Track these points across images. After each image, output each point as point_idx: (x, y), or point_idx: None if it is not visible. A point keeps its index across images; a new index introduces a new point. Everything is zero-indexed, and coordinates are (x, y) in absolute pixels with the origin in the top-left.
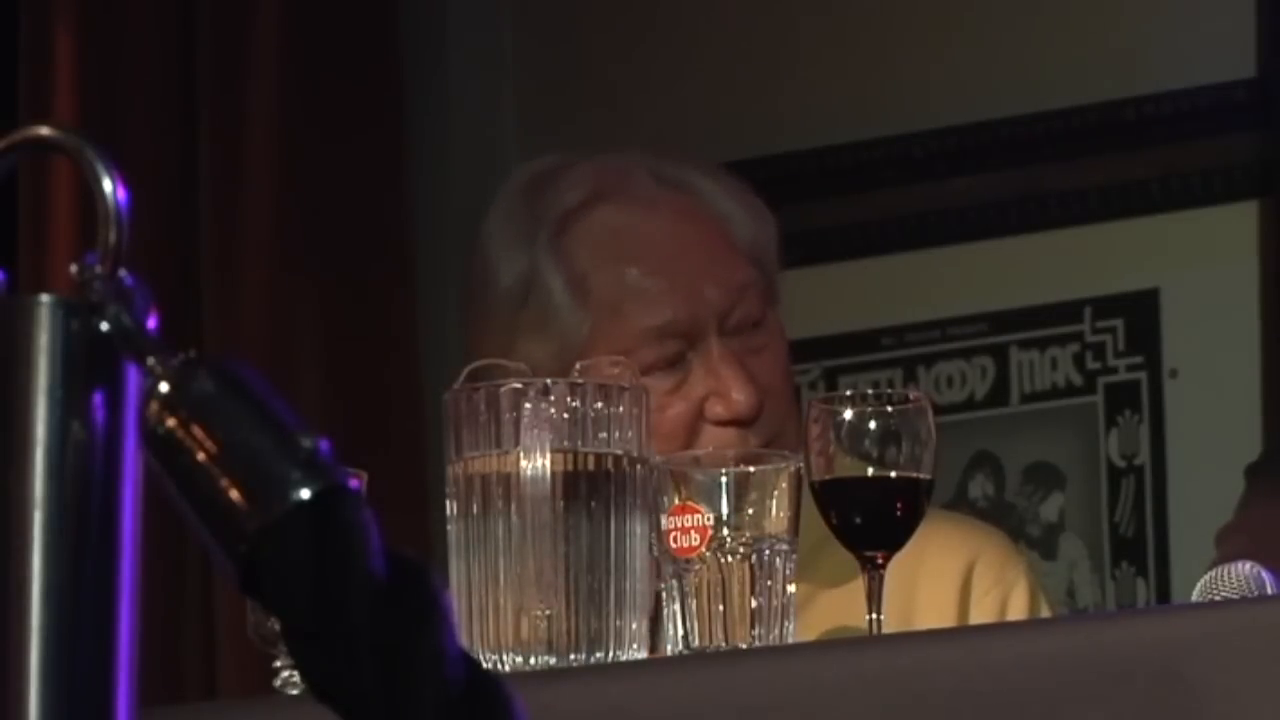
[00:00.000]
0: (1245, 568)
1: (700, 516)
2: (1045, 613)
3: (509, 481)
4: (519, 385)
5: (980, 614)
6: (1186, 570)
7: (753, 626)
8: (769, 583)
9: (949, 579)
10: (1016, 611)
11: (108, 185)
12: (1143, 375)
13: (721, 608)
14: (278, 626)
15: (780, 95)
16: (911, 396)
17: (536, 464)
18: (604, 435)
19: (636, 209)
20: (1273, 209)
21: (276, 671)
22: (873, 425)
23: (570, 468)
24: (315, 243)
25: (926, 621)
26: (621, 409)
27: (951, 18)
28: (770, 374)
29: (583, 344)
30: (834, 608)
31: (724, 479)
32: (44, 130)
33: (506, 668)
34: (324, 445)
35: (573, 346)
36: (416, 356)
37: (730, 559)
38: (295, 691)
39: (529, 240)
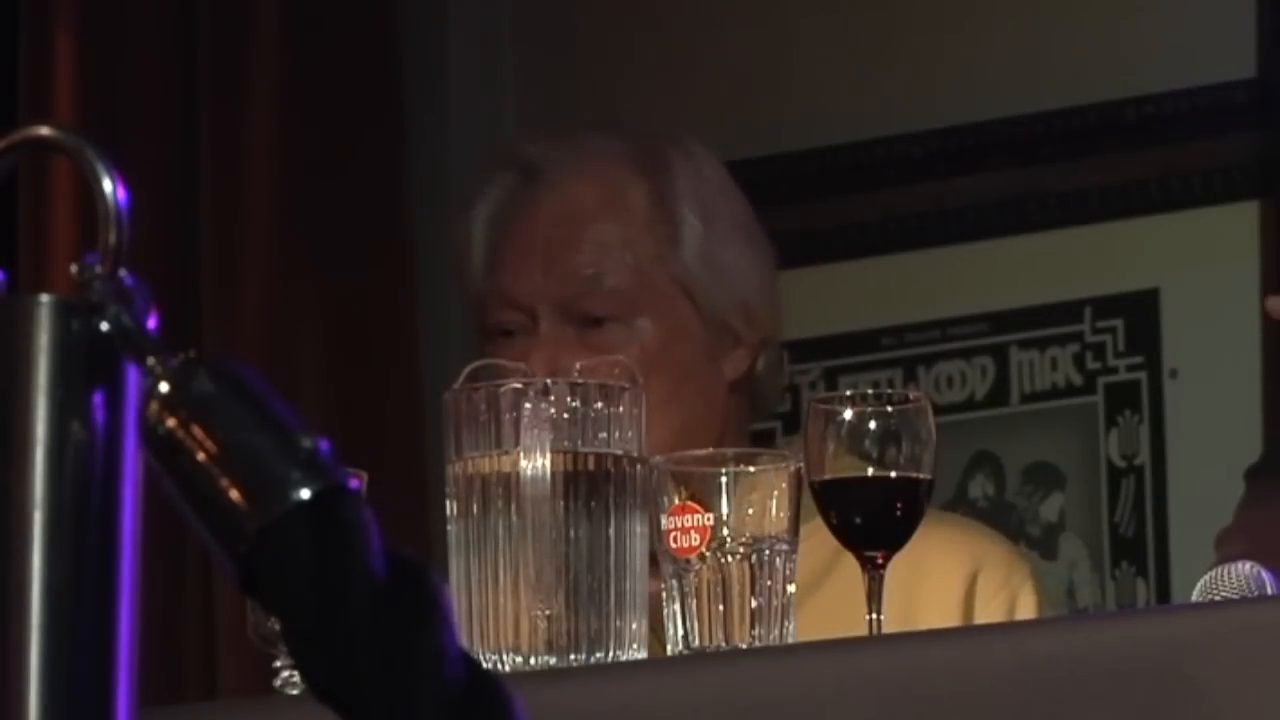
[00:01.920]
0: (1245, 568)
1: (700, 516)
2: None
3: (509, 481)
4: (519, 385)
5: (986, 618)
6: (1186, 570)
7: (753, 626)
8: (769, 583)
9: (953, 583)
10: (1025, 615)
11: (108, 185)
12: (1143, 375)
13: (721, 608)
14: (278, 626)
15: (780, 95)
16: (911, 396)
17: (536, 464)
18: (604, 435)
19: (549, 185)
20: (1273, 209)
21: (276, 671)
22: (873, 425)
23: (570, 468)
24: (315, 244)
25: (928, 624)
26: (621, 409)
27: (951, 18)
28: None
29: (477, 289)
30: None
31: (724, 479)
32: (44, 130)
33: (506, 668)
34: (324, 445)
35: (473, 288)
36: (416, 356)
37: (730, 559)
38: (295, 691)
39: (486, 195)
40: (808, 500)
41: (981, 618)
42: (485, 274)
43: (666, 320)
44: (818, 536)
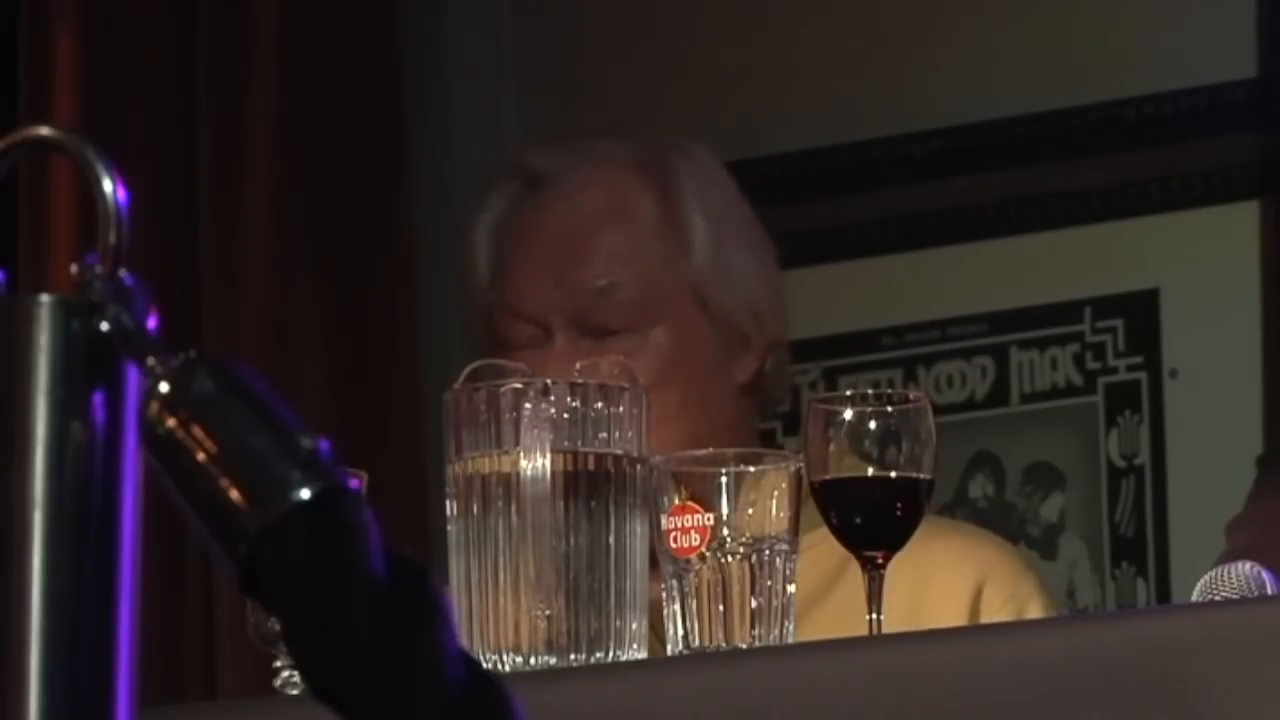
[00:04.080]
0: (1245, 568)
1: (700, 516)
2: None
3: (509, 481)
4: (519, 385)
5: None
6: (1186, 570)
7: (753, 626)
8: (769, 583)
9: (958, 593)
10: None
11: (108, 185)
12: (1143, 375)
13: (721, 608)
14: (278, 626)
15: (780, 95)
16: (911, 396)
17: (536, 464)
18: (604, 435)
19: (557, 194)
20: (1273, 209)
21: (276, 671)
22: (873, 425)
23: (570, 468)
24: (315, 243)
25: None
26: (621, 409)
27: (951, 18)
28: None
29: (484, 301)
30: (836, 608)
31: (724, 479)
32: (44, 130)
33: (506, 668)
34: (324, 445)
35: (479, 300)
36: (416, 356)
37: (730, 559)
38: (295, 691)
39: (489, 204)
40: (813, 508)
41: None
42: (492, 286)
43: (680, 327)
44: (825, 545)
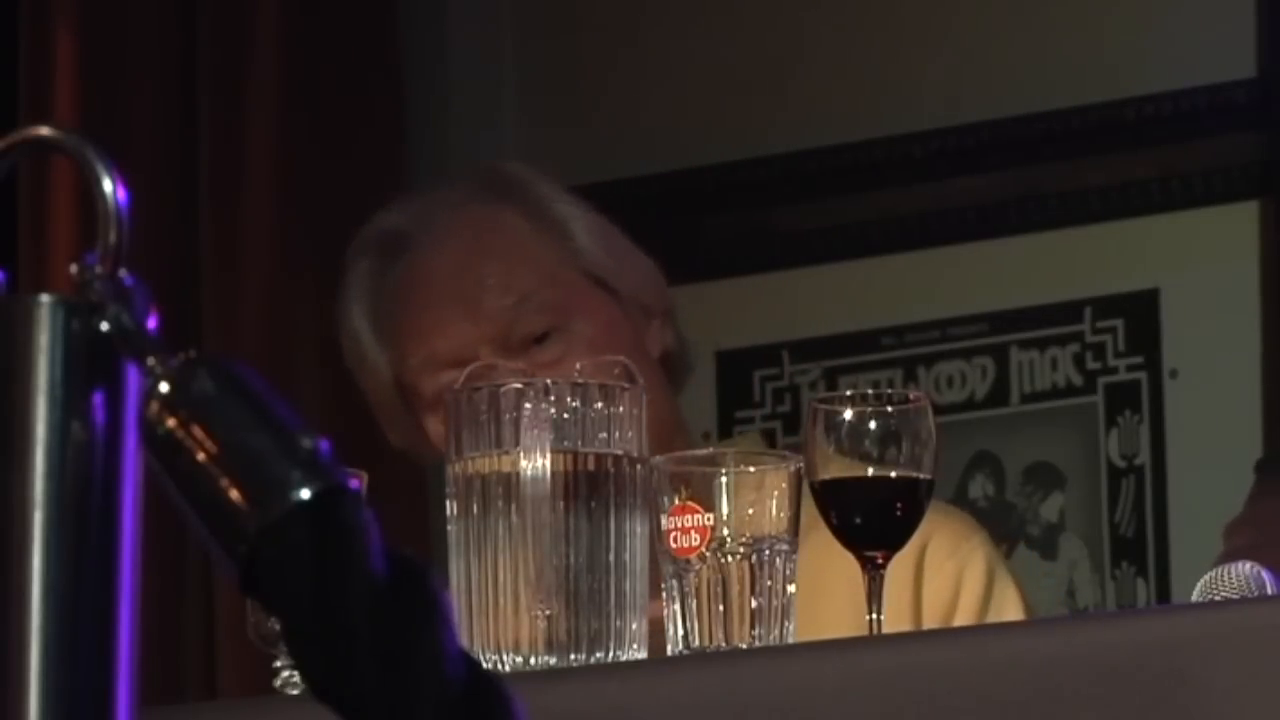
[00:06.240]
0: (1245, 568)
1: (700, 516)
2: (1007, 585)
3: (509, 481)
4: (519, 385)
5: (934, 588)
6: (1186, 570)
7: (753, 626)
8: (769, 583)
9: (904, 559)
10: (972, 583)
11: (108, 185)
12: (1143, 375)
13: (721, 608)
14: (278, 626)
15: (780, 95)
16: (911, 396)
17: (536, 464)
18: (604, 435)
19: (426, 244)
20: (1273, 209)
21: (276, 671)
22: (873, 425)
23: (570, 468)
24: (315, 243)
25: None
26: (621, 409)
27: (951, 18)
28: None
29: (392, 379)
30: (822, 602)
31: (724, 479)
32: (44, 130)
33: (506, 668)
34: (324, 445)
35: (386, 382)
36: None
37: (730, 559)
38: (295, 691)
39: (353, 291)
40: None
41: (929, 588)
42: (397, 356)
43: (595, 313)
44: None
